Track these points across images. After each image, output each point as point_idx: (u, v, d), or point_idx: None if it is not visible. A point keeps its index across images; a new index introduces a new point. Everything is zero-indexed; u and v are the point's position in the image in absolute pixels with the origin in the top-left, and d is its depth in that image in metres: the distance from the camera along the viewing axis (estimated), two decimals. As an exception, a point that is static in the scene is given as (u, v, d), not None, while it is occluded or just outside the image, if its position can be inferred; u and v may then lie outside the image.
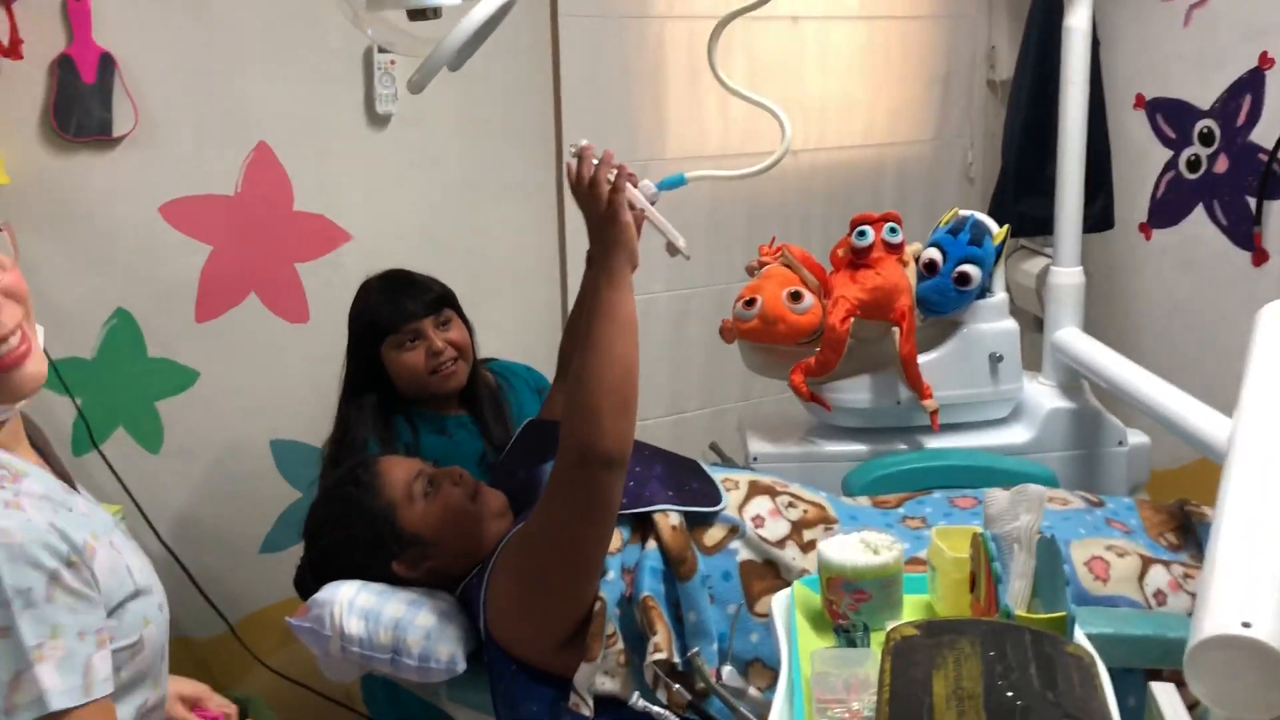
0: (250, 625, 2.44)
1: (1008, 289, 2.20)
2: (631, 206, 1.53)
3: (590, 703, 1.47)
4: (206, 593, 2.36)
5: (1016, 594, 1.11)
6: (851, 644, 1.22)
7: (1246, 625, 0.90)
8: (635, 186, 1.60)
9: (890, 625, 1.25)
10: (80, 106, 2.12)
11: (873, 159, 3.07)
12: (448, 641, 1.53)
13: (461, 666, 1.53)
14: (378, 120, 2.43)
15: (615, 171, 1.50)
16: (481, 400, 2.02)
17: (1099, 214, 2.77)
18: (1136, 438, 2.16)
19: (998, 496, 1.19)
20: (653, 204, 1.60)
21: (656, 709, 1.23)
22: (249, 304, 2.36)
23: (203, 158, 2.26)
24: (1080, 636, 1.19)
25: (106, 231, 2.19)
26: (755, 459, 2.12)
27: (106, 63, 2.12)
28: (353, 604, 1.55)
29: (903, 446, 2.11)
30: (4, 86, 2.06)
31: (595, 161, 1.49)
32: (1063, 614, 1.08)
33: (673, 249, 1.59)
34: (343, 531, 1.63)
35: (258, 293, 2.36)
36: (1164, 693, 1.07)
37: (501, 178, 2.60)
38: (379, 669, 1.57)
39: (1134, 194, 2.83)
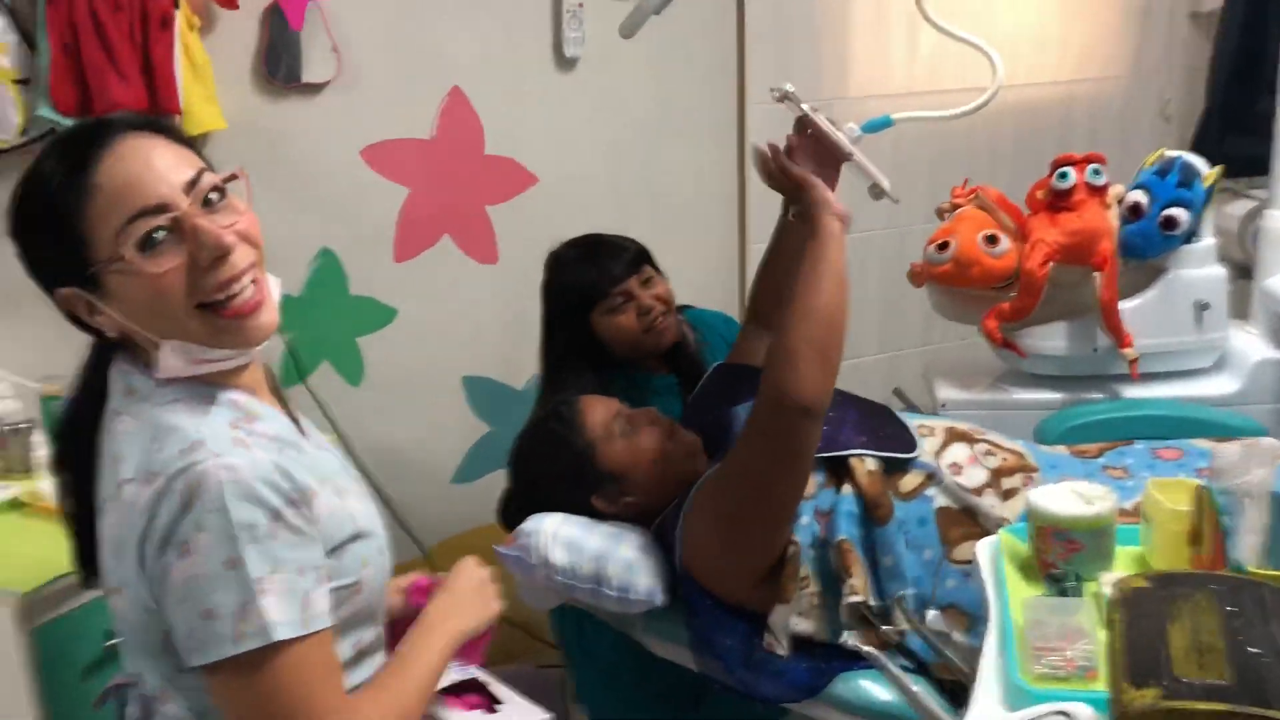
0: (443, 552, 2.56)
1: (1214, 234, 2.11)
2: (835, 150, 1.53)
3: (785, 643, 1.50)
4: (402, 520, 2.48)
5: (1249, 549, 1.08)
6: (1063, 593, 1.21)
7: None
8: (838, 129, 1.59)
9: (1102, 575, 1.24)
10: (289, 54, 2.22)
11: (1062, 96, 2.96)
12: (647, 574, 1.58)
13: (660, 599, 1.58)
14: (565, 64, 2.46)
15: (813, 114, 1.52)
16: (686, 360, 2.02)
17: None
18: (1354, 391, 2.05)
19: (1226, 449, 1.16)
20: (856, 146, 1.59)
21: (867, 648, 1.24)
22: (443, 245, 2.44)
23: (401, 102, 2.34)
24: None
25: (312, 174, 2.30)
26: (944, 406, 2.10)
27: (313, 11, 2.20)
28: (557, 535, 1.61)
29: (1099, 395, 2.06)
30: (221, 36, 2.17)
31: (803, 106, 1.50)
32: (1300, 571, 1.05)
33: (878, 191, 1.58)
34: (546, 466, 1.69)
35: (451, 234, 2.44)
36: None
37: (683, 119, 2.61)
38: (580, 598, 1.62)
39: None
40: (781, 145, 1.59)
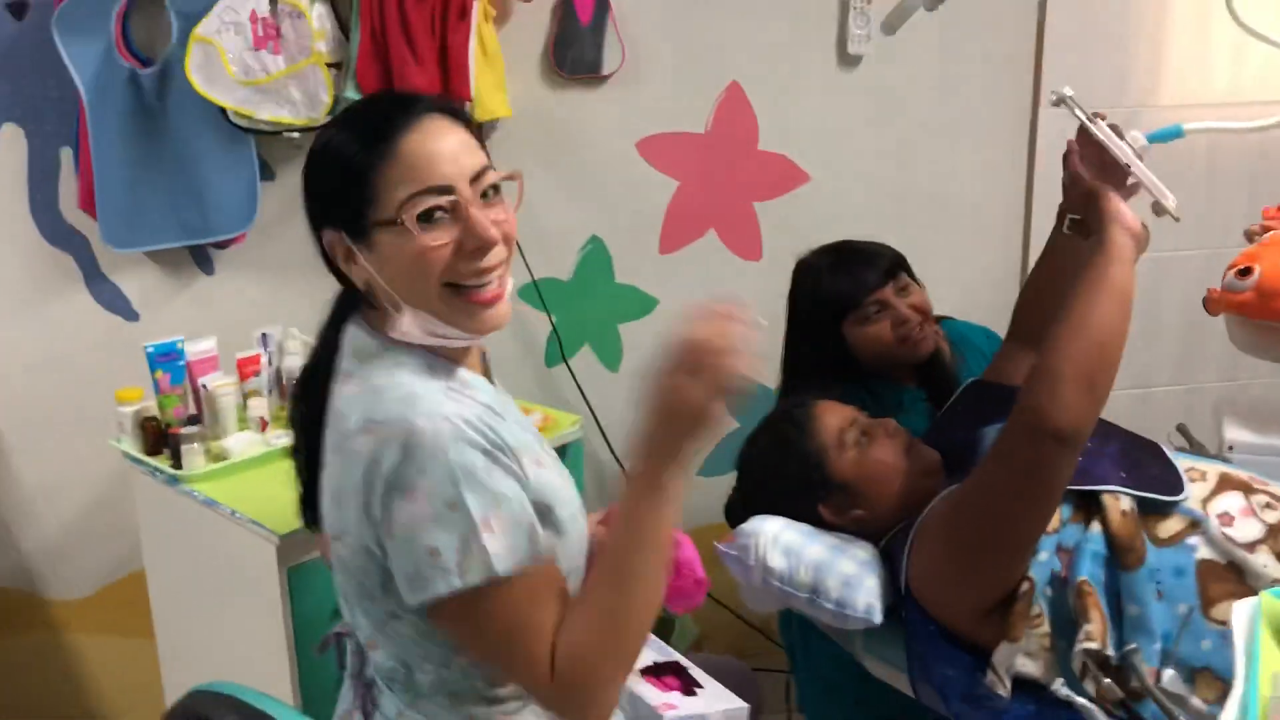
0: (682, 543, 2.57)
1: None
2: (1114, 162, 1.42)
3: (1008, 683, 1.39)
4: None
5: None
6: (1329, 674, 1.06)
7: None
8: (1123, 138, 1.47)
9: (1383, 661, 1.08)
10: (576, 46, 2.29)
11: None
12: (866, 591, 1.52)
13: (878, 619, 1.51)
14: (848, 61, 2.41)
15: (1102, 123, 1.42)
16: (938, 374, 1.93)
17: None
18: None
19: None
20: (1141, 158, 1.46)
21: (1080, 700, 1.14)
22: (708, 239, 2.45)
23: (679, 96, 2.36)
24: None
25: (589, 163, 2.37)
26: (1231, 448, 1.89)
27: (602, 6, 2.27)
28: (777, 539, 1.57)
29: None
30: (515, 27, 2.27)
31: (1078, 113, 1.40)
32: None
33: (1159, 208, 1.45)
34: (774, 468, 1.66)
35: (716, 229, 2.45)
36: None
37: (970, 122, 2.49)
38: (796, 605, 1.59)
39: None
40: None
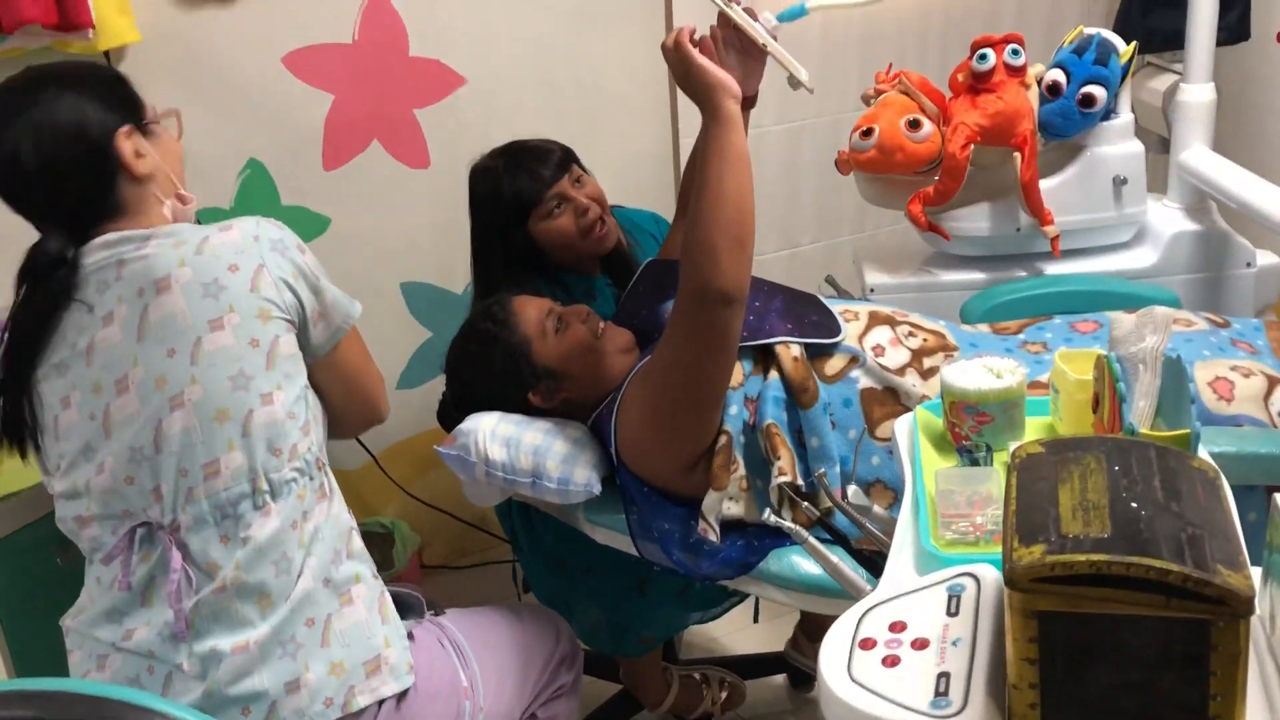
0: (391, 455, 2.59)
1: (1133, 109, 2.14)
2: (752, 42, 1.54)
3: (717, 528, 1.56)
4: (350, 426, 2.51)
5: (1141, 413, 1.14)
6: (975, 463, 1.27)
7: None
8: (755, 20, 1.60)
9: (1012, 445, 1.30)
10: (202, -41, 2.17)
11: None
12: (583, 466, 1.63)
13: (597, 489, 1.63)
14: (487, -42, 2.42)
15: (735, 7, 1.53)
16: (618, 261, 2.02)
17: (1234, 24, 2.64)
18: (1266, 259, 2.12)
19: (1123, 319, 1.21)
20: (774, 37, 1.60)
21: (787, 524, 1.30)
22: (372, 151, 2.42)
23: (321, 6, 2.29)
24: (1204, 453, 1.22)
25: (235, 84, 2.26)
26: (872, 290, 2.14)
27: (223, -86, 2.15)
28: (494, 432, 1.65)
29: (1022, 274, 2.11)
30: (131, -57, 2.11)
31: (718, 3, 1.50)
32: (1186, 431, 1.11)
33: (795, 82, 1.59)
34: (482, 365, 1.72)
35: (380, 140, 2.42)
36: (1286, 505, 1.10)
37: (609, 11, 2.58)
38: (521, 492, 1.67)
39: (1271, 1, 2.68)
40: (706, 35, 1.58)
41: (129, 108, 1.41)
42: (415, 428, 2.53)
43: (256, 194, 2.34)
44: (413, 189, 2.46)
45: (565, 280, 1.97)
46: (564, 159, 1.96)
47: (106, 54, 2.12)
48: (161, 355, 1.30)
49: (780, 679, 2.28)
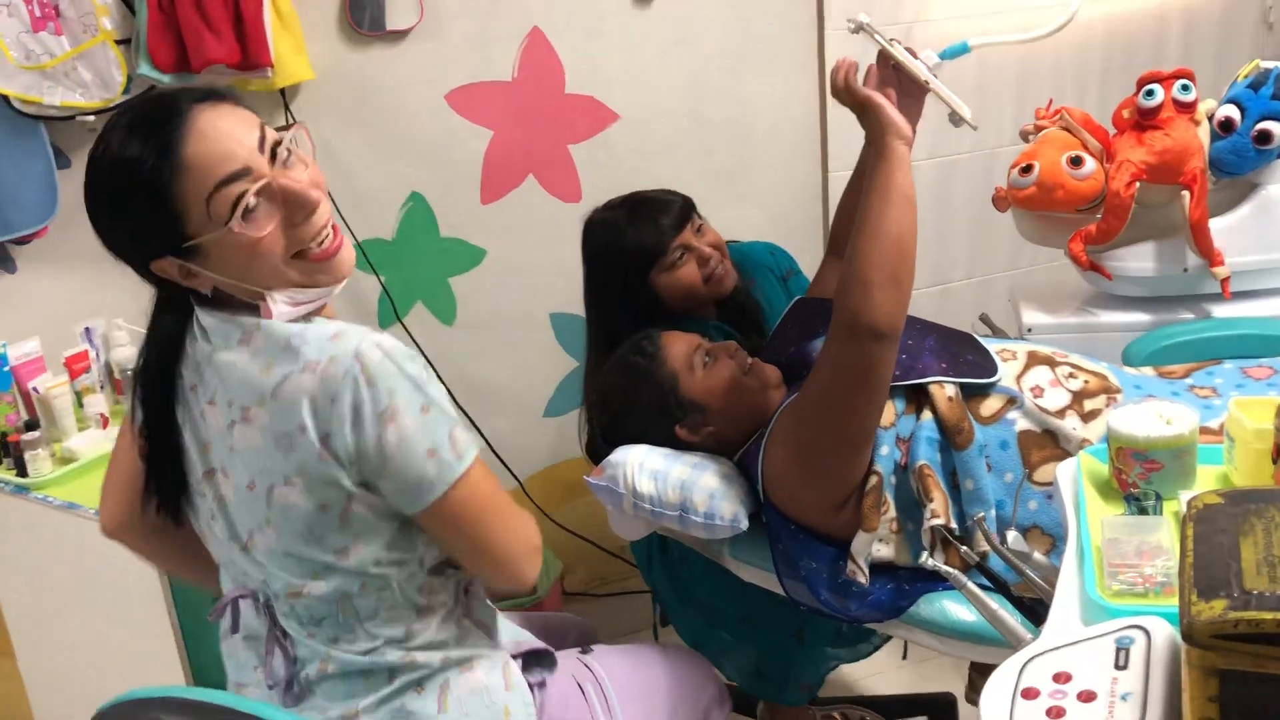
0: (536, 482, 2.64)
1: None
2: (915, 80, 1.54)
3: (866, 570, 1.54)
4: (498, 452, 2.57)
5: (1327, 466, 1.08)
6: (1143, 512, 1.23)
7: None
8: (916, 57, 1.59)
9: (1182, 494, 1.25)
10: (373, 3, 2.27)
11: (1155, 9, 2.86)
12: (730, 501, 1.63)
13: (744, 524, 1.62)
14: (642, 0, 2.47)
15: (893, 44, 1.53)
16: (736, 304, 2.01)
17: None
18: None
19: (1309, 365, 1.15)
20: (935, 74, 1.58)
21: (946, 568, 1.28)
22: (527, 185, 2.49)
23: (482, 45, 2.38)
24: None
25: (400, 120, 2.36)
26: (1030, 330, 2.09)
27: (395, -41, 2.25)
28: (643, 465, 1.66)
29: (1189, 316, 2.03)
30: (307, -12, 2.23)
31: (877, 37, 1.51)
32: (1378, 487, 1.05)
33: (957, 119, 1.57)
34: (630, 399, 1.74)
35: (535, 174, 2.49)
36: None
37: (762, 50, 2.60)
38: (667, 525, 1.68)
39: None
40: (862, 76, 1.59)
41: (164, 229, 1.11)
42: (562, 455, 2.58)
43: (417, 226, 2.43)
44: (564, 222, 2.50)
45: (684, 327, 1.97)
46: (685, 209, 1.96)
47: (283, 91, 2.23)
48: (245, 480, 1.19)
49: (923, 721, 2.23)
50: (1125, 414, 1.30)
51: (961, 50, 1.61)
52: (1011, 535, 1.44)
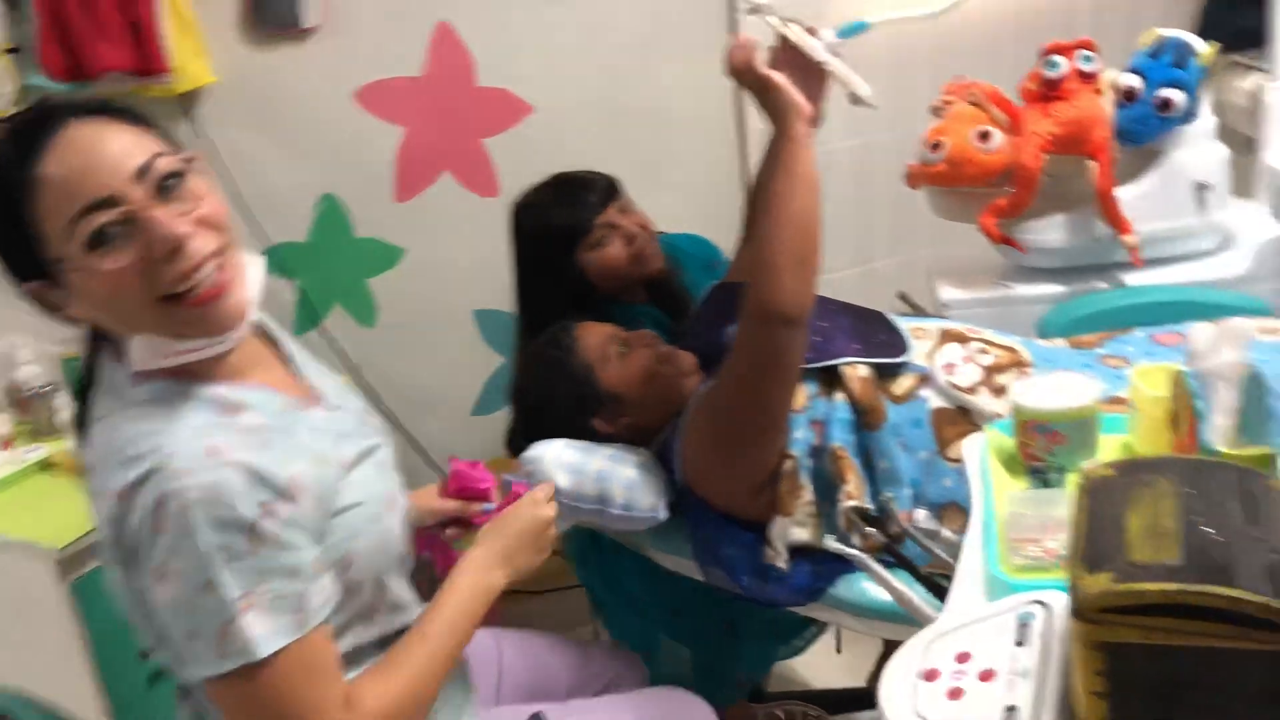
0: (469, 482, 2.61)
1: (1219, 110, 2.06)
2: (811, 60, 1.52)
3: (785, 554, 1.53)
4: (430, 454, 2.54)
5: (1220, 431, 1.09)
6: (1046, 485, 1.23)
7: None
8: (815, 36, 1.58)
9: (1085, 466, 1.26)
10: (275, 2, 2.21)
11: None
12: (649, 492, 1.62)
13: (664, 515, 1.61)
14: (551, -11, 2.44)
15: (794, 25, 1.51)
16: (665, 289, 2.00)
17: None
18: (1365, 262, 2.02)
19: (1202, 332, 1.16)
20: (835, 53, 1.57)
21: (848, 550, 1.27)
22: (443, 181, 2.45)
23: (389, 41, 2.33)
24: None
25: (308, 120, 2.32)
26: (946, 306, 2.10)
27: (293, -44, 2.20)
28: (560, 459, 1.64)
29: (1102, 285, 2.05)
30: (204, -11, 2.17)
31: (769, 19, 1.48)
32: (1269, 450, 1.06)
33: (856, 99, 1.56)
34: (546, 392, 1.72)
35: (450, 170, 2.46)
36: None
37: (675, 37, 2.58)
38: (588, 519, 1.66)
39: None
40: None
41: (21, 249, 1.02)
42: (492, 453, 2.53)
43: (331, 227, 2.39)
44: (483, 217, 2.47)
45: (611, 312, 1.95)
46: (610, 187, 1.95)
47: (184, 96, 2.18)
48: None
49: (869, 715, 2.23)
50: (1029, 386, 1.30)
51: (860, 28, 1.60)
52: (920, 514, 1.45)
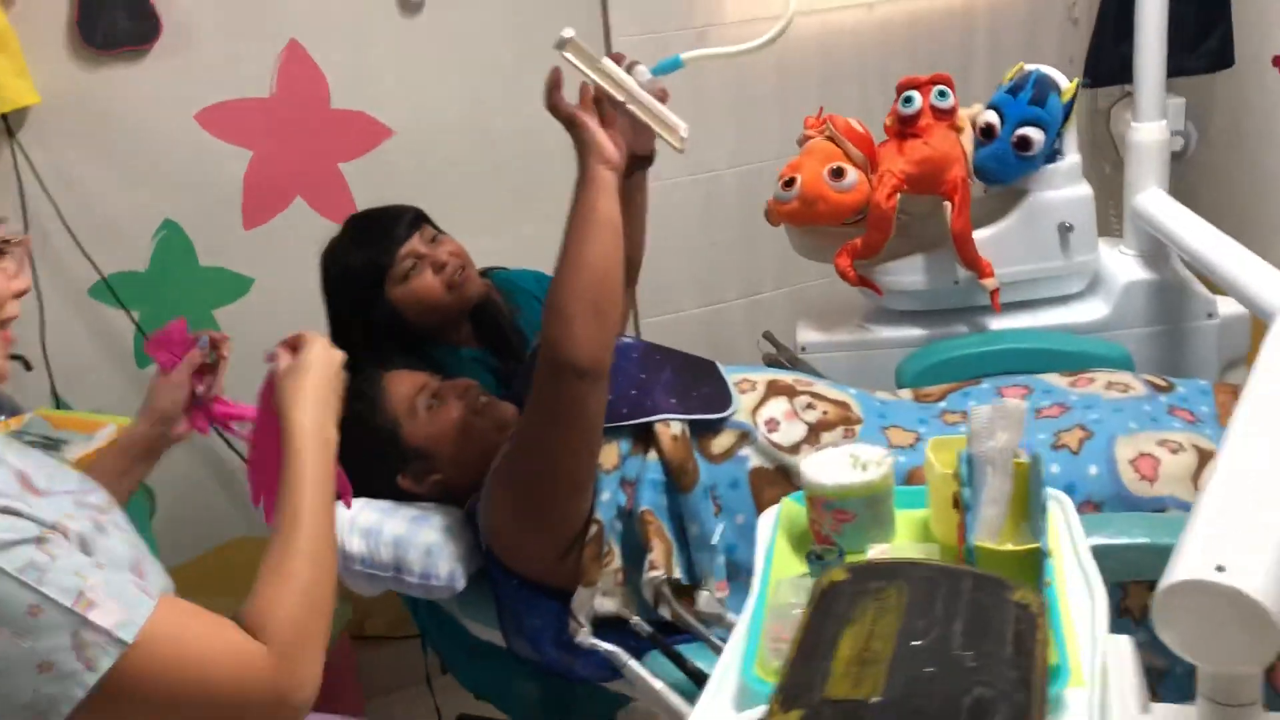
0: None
1: (1107, 145, 1.98)
2: (613, 99, 1.43)
3: (588, 627, 1.42)
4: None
5: (987, 523, 0.99)
6: (823, 570, 1.13)
7: (1220, 569, 0.78)
8: (631, 73, 1.48)
9: (874, 548, 1.16)
10: (107, 16, 2.10)
11: (960, 6, 2.80)
12: (447, 559, 1.51)
13: (461, 584, 1.50)
14: (409, 7, 2.33)
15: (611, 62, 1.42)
16: (497, 331, 1.89)
17: (1215, 50, 2.48)
18: (1229, 307, 1.94)
19: (981, 412, 1.06)
20: (656, 90, 1.47)
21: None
22: (296, 207, 2.34)
23: (234, 61, 2.22)
24: (1085, 559, 1.07)
25: (147, 143, 2.19)
26: (804, 349, 2.00)
27: (125, -31, 2.08)
28: (354, 523, 1.53)
29: (964, 330, 1.96)
30: (26, 3, 2.04)
31: (567, 55, 1.39)
32: (1035, 546, 0.96)
33: (661, 140, 1.47)
34: (348, 447, 1.60)
35: (303, 195, 2.34)
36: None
37: (547, 59, 2.46)
38: (387, 585, 1.56)
39: (1264, 23, 2.49)
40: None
41: None
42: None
43: (173, 256, 2.27)
44: (338, 245, 2.37)
45: (434, 355, 1.84)
46: (415, 218, 1.85)
47: (4, 118, 2.05)
48: None
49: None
50: (818, 459, 1.20)
51: (674, 65, 1.51)
52: (703, 596, 1.35)
